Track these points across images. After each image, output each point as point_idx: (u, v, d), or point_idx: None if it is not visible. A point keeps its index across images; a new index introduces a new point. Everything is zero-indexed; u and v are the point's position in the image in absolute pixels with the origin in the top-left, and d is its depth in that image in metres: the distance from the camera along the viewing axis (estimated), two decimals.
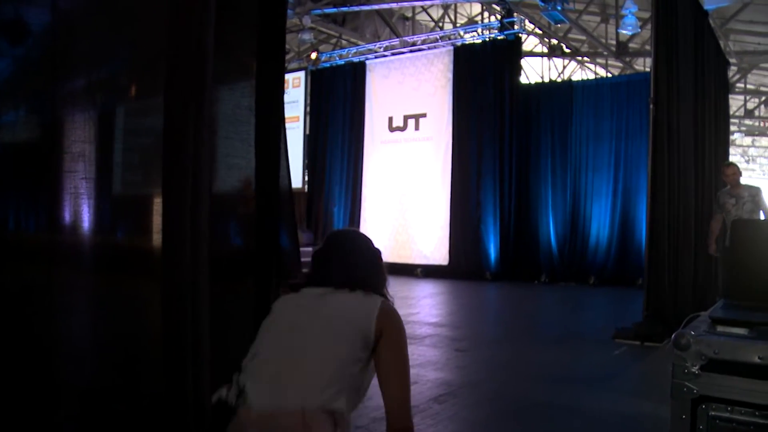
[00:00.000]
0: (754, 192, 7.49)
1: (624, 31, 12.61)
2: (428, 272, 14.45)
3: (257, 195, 2.64)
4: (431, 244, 14.70)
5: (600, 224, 13.47)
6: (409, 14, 19.35)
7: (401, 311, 2.02)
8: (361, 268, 2.03)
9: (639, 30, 12.85)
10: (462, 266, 14.23)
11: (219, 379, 1.98)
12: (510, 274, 13.76)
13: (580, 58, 20.10)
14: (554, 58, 20.43)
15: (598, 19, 17.38)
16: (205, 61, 2.56)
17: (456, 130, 14.71)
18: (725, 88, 12.25)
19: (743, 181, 7.66)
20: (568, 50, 19.10)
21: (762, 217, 7.39)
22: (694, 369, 1.72)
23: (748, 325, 1.85)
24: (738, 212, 7.25)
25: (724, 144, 11.74)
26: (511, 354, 6.72)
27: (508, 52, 14.13)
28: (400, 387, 1.83)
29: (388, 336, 1.85)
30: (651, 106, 6.99)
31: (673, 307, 7.38)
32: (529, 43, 19.85)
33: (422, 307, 9.72)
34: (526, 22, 15.22)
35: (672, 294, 7.39)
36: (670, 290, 7.31)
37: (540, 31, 18.54)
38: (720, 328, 1.88)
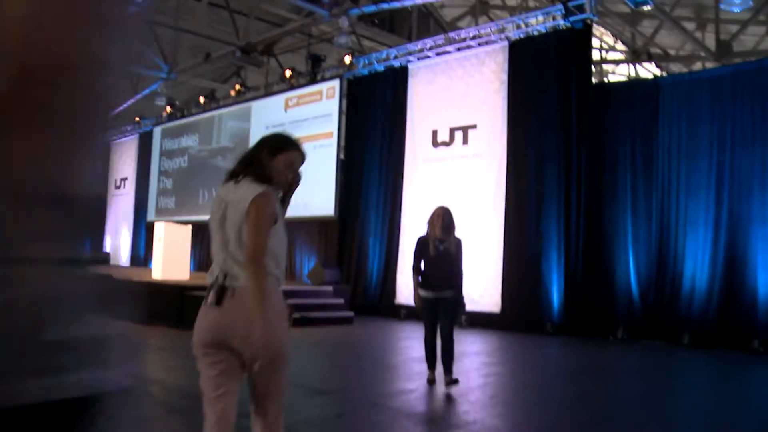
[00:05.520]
0: None
1: (731, 8, 9.56)
2: (475, 321, 11.65)
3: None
4: (480, 286, 11.88)
5: (697, 263, 10.29)
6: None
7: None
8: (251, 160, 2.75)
9: (750, 3, 9.75)
10: (517, 315, 11.49)
11: None
12: (577, 327, 10.84)
13: (665, 64, 17.01)
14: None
15: (689, 25, 14.37)
16: None
17: (512, 144, 12.13)
18: None
19: None
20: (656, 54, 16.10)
21: None
22: None
23: None
24: None
25: None
26: None
27: (575, 43, 11.33)
28: (251, 241, 2.57)
29: (249, 212, 2.59)
30: None
31: None
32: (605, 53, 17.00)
33: (464, 373, 6.74)
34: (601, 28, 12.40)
35: None
36: None
37: (613, 37, 15.66)
38: None
